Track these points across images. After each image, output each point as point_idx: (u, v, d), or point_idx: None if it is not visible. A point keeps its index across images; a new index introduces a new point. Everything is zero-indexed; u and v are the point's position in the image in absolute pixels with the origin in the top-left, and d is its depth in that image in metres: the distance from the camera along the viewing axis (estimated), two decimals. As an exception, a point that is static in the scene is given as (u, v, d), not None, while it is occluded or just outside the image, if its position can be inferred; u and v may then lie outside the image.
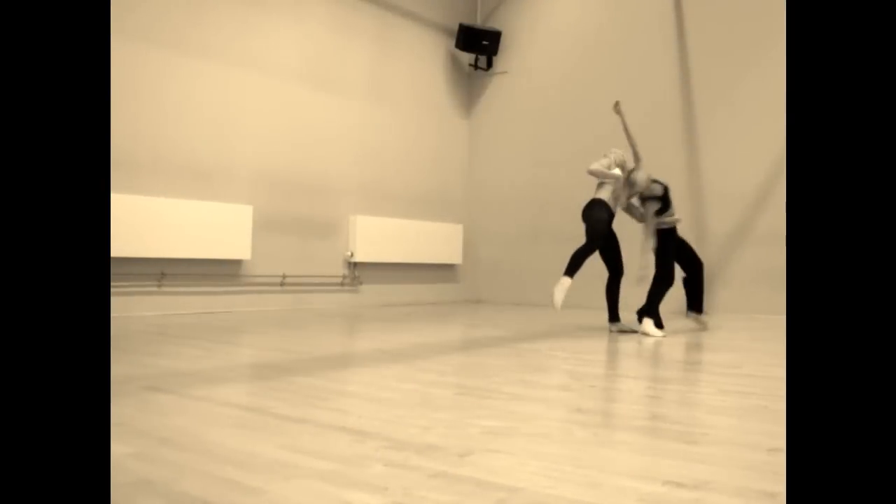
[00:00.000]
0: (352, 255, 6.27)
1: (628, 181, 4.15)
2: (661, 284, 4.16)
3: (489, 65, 7.77)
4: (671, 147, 6.83)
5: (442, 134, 7.39)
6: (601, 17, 7.31)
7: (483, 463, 1.43)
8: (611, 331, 4.28)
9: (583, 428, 1.77)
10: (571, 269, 3.98)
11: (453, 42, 7.52)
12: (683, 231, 4.48)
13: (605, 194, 4.12)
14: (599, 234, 4.06)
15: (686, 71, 6.89)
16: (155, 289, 4.98)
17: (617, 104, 4.29)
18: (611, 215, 4.11)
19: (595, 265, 4.30)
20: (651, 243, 4.15)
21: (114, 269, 4.58)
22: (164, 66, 5.03)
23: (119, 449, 1.47)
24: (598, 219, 4.05)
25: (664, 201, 4.18)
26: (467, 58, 7.81)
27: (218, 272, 5.38)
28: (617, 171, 4.09)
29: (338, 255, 6.34)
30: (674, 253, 4.22)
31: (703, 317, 4.47)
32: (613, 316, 4.29)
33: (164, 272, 4.98)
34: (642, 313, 4.15)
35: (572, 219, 7.03)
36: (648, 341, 3.86)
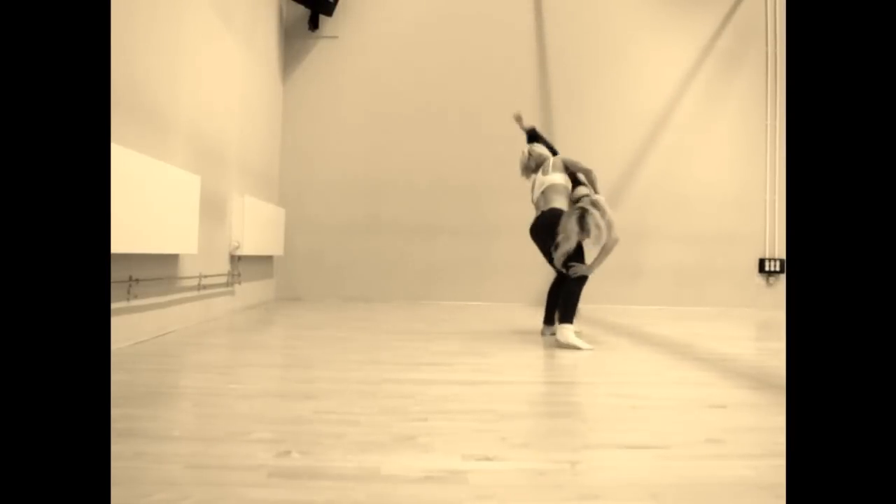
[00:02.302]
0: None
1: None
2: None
3: (316, 25, 6.69)
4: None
5: (253, 89, 5.64)
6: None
7: None
8: (543, 334, 3.85)
9: None
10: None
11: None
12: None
13: (561, 203, 3.63)
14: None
15: (544, 57, 6.69)
16: None
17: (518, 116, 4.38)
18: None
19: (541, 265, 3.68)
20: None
21: None
22: None
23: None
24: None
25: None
26: (295, 10, 6.65)
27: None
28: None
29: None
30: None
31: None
32: (549, 319, 3.81)
33: None
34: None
35: (407, 209, 6.39)
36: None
